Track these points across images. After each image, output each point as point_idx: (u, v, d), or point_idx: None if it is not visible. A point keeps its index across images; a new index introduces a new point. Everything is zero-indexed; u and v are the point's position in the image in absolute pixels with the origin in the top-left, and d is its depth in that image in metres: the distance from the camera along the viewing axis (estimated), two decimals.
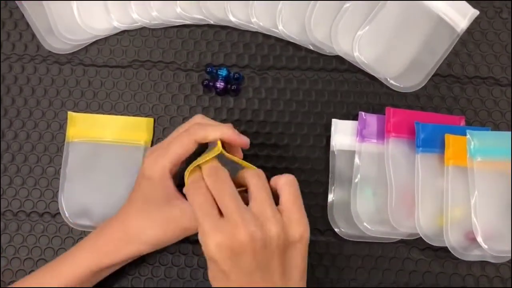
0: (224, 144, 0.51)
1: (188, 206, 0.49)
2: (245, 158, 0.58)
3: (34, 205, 0.59)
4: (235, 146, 0.52)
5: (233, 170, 0.49)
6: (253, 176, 0.47)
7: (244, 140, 0.51)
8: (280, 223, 0.45)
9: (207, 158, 0.48)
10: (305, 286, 0.47)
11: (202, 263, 0.57)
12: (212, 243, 0.43)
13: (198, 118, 0.53)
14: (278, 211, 0.46)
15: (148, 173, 0.50)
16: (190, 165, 0.49)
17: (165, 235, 0.50)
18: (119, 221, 0.51)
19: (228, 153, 0.50)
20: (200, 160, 0.49)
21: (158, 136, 0.60)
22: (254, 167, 0.49)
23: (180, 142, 0.50)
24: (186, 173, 0.49)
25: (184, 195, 0.50)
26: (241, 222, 0.43)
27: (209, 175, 0.47)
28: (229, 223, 0.44)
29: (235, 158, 0.50)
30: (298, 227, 0.45)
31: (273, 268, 0.44)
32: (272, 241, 0.44)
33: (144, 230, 0.50)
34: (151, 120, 0.60)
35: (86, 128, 0.59)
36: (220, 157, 0.49)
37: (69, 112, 0.60)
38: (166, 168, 0.50)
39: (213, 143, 0.50)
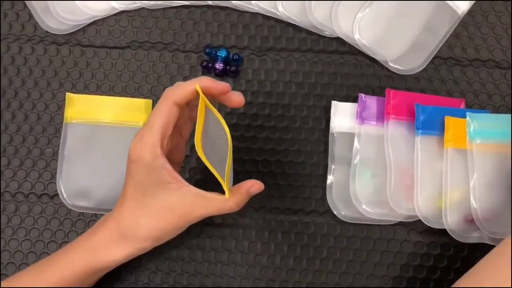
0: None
1: (189, 189, 0.47)
2: (245, 140, 0.59)
3: (32, 187, 0.58)
4: (216, 94, 0.47)
5: (214, 124, 0.47)
6: None
7: (223, 85, 0.47)
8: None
9: (200, 119, 0.45)
10: None
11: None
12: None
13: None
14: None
15: (137, 155, 0.46)
16: (195, 136, 0.46)
17: (164, 227, 0.47)
18: (113, 217, 0.48)
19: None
20: (197, 125, 0.46)
21: None
22: (226, 126, 0.46)
23: (160, 112, 0.46)
24: (196, 143, 0.45)
25: (181, 177, 0.47)
26: None
27: None
28: None
29: (214, 110, 0.46)
30: None
31: None
32: None
33: (139, 224, 0.47)
34: (150, 101, 0.59)
35: (84, 109, 0.59)
36: (206, 113, 0.46)
37: (67, 93, 0.59)
38: (156, 146, 0.46)
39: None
